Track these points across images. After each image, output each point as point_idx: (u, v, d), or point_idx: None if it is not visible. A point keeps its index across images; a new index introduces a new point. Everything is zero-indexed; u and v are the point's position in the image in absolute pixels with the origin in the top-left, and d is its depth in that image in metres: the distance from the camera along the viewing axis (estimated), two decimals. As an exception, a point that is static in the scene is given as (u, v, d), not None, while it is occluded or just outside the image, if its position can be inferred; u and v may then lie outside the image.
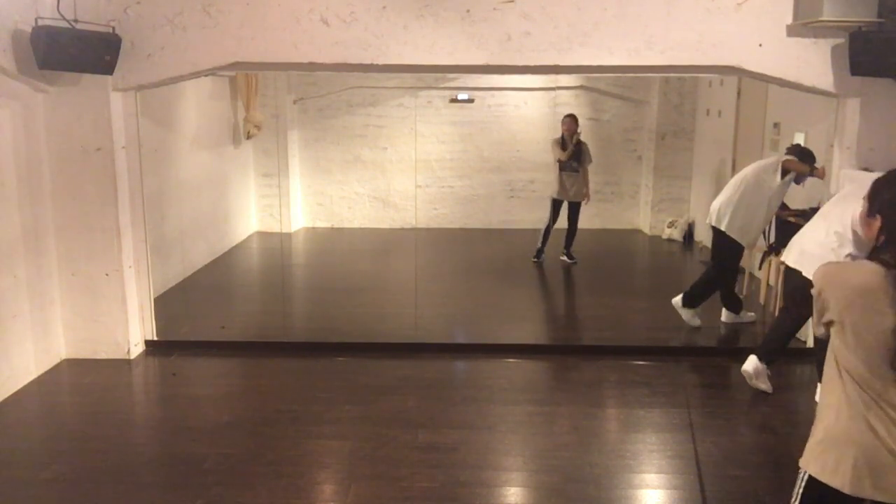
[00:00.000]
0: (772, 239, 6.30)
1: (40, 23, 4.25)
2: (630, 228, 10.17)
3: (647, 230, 9.90)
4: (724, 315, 5.96)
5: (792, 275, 4.35)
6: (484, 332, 5.90)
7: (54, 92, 4.75)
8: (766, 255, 6.29)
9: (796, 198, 6.24)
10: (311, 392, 4.67)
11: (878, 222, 2.02)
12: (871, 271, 1.94)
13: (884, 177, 2.08)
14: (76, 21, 4.43)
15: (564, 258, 8.04)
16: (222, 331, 5.81)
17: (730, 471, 3.69)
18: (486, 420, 4.26)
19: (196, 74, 5.06)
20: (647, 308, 6.67)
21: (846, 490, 2.05)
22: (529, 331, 6.19)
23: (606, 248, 9.19)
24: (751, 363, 4.61)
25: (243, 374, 5.12)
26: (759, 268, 6.51)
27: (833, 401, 2.10)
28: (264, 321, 6.28)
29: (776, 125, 7.04)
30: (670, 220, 9.63)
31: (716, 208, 5.66)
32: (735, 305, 5.93)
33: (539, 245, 8.08)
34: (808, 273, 4.12)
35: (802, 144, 5.79)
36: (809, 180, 5.55)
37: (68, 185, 4.88)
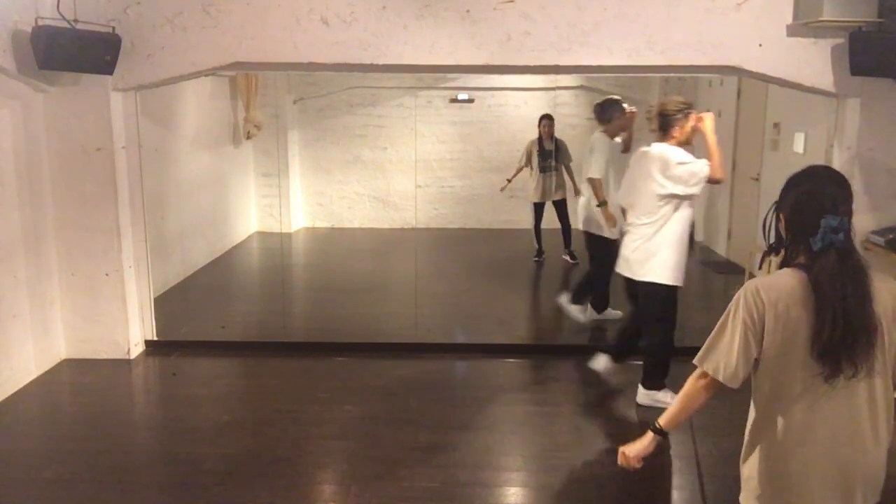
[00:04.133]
0: (772, 239, 6.30)
1: (40, 23, 4.25)
2: (630, 228, 10.16)
3: (647, 230, 9.88)
4: (589, 312, 5.97)
5: (651, 288, 4.27)
6: (484, 332, 5.90)
7: (54, 92, 4.75)
8: (765, 254, 6.28)
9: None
10: (311, 392, 4.67)
11: (783, 222, 2.05)
12: (795, 276, 1.96)
13: (792, 176, 2.07)
14: (76, 21, 4.43)
15: (566, 258, 8.04)
16: (222, 331, 5.81)
17: (730, 471, 3.68)
18: (486, 420, 4.26)
19: (196, 74, 5.06)
20: (647, 308, 6.67)
21: None
22: (529, 331, 6.19)
23: (606, 248, 9.18)
24: (638, 395, 4.42)
25: (243, 374, 5.12)
26: (759, 267, 6.50)
27: (758, 430, 2.12)
28: (264, 321, 6.28)
29: (776, 125, 7.04)
30: (670, 220, 9.61)
31: (578, 212, 6.00)
32: (601, 304, 5.97)
33: (536, 246, 8.13)
34: (661, 278, 4.24)
35: (613, 99, 5.80)
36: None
37: (68, 185, 4.88)
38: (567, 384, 4.96)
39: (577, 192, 7.98)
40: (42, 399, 4.56)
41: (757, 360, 2.06)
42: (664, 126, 4.34)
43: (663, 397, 4.25)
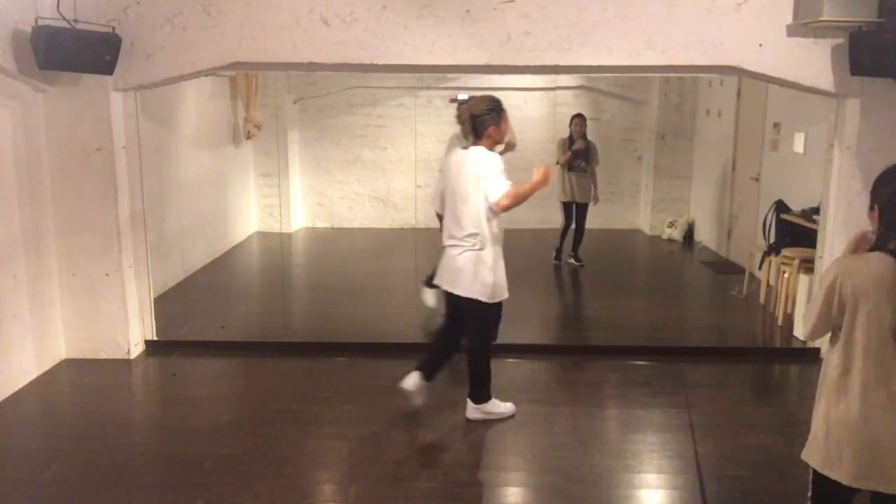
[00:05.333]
0: (772, 239, 6.30)
1: (40, 23, 4.25)
2: (630, 228, 10.17)
3: (647, 230, 9.90)
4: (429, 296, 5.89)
5: (469, 306, 4.03)
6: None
7: (54, 92, 4.75)
8: (766, 254, 6.29)
9: (796, 198, 6.24)
10: (311, 392, 4.67)
11: (876, 213, 2.22)
12: (883, 261, 2.13)
13: (886, 171, 2.25)
14: (76, 21, 4.43)
15: (571, 260, 8.02)
16: (222, 331, 5.81)
17: (730, 471, 3.69)
18: (487, 420, 4.26)
19: (196, 74, 5.06)
20: (648, 308, 6.68)
21: (846, 482, 2.14)
22: (529, 331, 6.18)
23: (606, 249, 9.19)
24: (469, 411, 4.21)
25: (243, 374, 5.12)
26: (759, 268, 6.51)
27: (830, 395, 2.21)
28: (264, 321, 6.28)
29: (776, 125, 7.04)
30: (670, 220, 9.63)
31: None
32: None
33: (558, 245, 8.06)
34: (482, 295, 3.97)
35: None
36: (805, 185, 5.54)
37: (68, 185, 4.88)
38: (567, 384, 4.96)
39: (596, 200, 7.97)
40: (42, 399, 4.56)
41: (838, 329, 2.22)
42: (477, 128, 3.98)
43: (493, 408, 4.21)
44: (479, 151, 3.95)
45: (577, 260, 7.99)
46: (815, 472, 2.28)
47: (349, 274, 7.88)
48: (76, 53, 4.34)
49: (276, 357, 5.29)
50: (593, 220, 9.88)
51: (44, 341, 4.87)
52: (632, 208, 10.22)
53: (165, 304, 6.13)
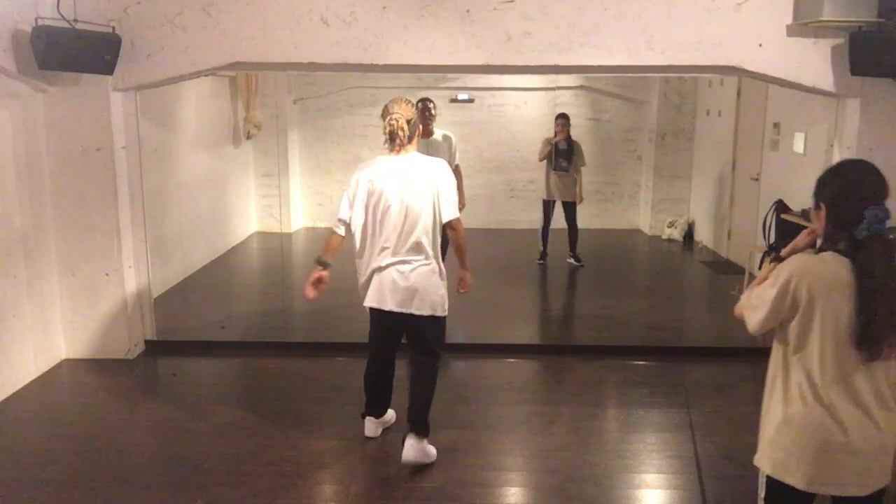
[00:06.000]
0: (772, 239, 6.30)
1: (40, 23, 4.25)
2: (630, 228, 10.17)
3: (647, 230, 9.90)
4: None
5: (429, 323, 3.65)
6: (484, 332, 5.90)
7: (54, 92, 4.75)
8: (765, 254, 6.29)
9: (796, 198, 6.24)
10: (311, 392, 4.67)
11: (823, 212, 2.13)
12: (838, 262, 2.05)
13: (828, 169, 2.19)
14: (76, 21, 4.43)
15: (571, 261, 8.01)
16: (222, 331, 5.81)
17: (730, 471, 3.69)
18: (486, 420, 4.26)
19: (196, 74, 5.06)
20: (647, 308, 6.68)
21: (800, 487, 2.09)
22: (529, 331, 6.19)
23: (606, 248, 9.19)
24: (412, 450, 3.60)
25: (243, 374, 5.12)
26: (759, 268, 6.51)
27: (782, 396, 2.15)
28: (264, 321, 6.28)
29: (776, 125, 7.04)
30: (670, 220, 9.63)
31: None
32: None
33: (541, 248, 8.06)
34: (442, 309, 3.67)
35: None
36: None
37: (68, 185, 4.88)
38: (567, 384, 4.96)
39: (580, 199, 7.98)
40: (42, 399, 4.56)
41: (783, 329, 2.16)
42: (412, 134, 3.70)
43: (431, 450, 3.71)
44: (426, 159, 3.68)
45: (577, 260, 7.99)
46: (768, 475, 2.20)
47: (349, 274, 7.86)
48: (76, 53, 4.34)
49: (276, 357, 5.29)
50: (593, 220, 9.94)
51: (44, 341, 4.87)
52: (632, 208, 10.22)
53: (165, 304, 6.13)
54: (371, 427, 3.97)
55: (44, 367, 4.87)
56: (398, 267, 3.58)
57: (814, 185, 2.19)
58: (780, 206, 6.30)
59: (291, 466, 3.69)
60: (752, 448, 4.00)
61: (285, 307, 6.67)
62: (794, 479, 2.11)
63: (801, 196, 6.18)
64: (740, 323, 2.30)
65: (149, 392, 4.92)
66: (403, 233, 3.57)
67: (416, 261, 3.60)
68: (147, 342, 5.34)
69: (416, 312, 3.60)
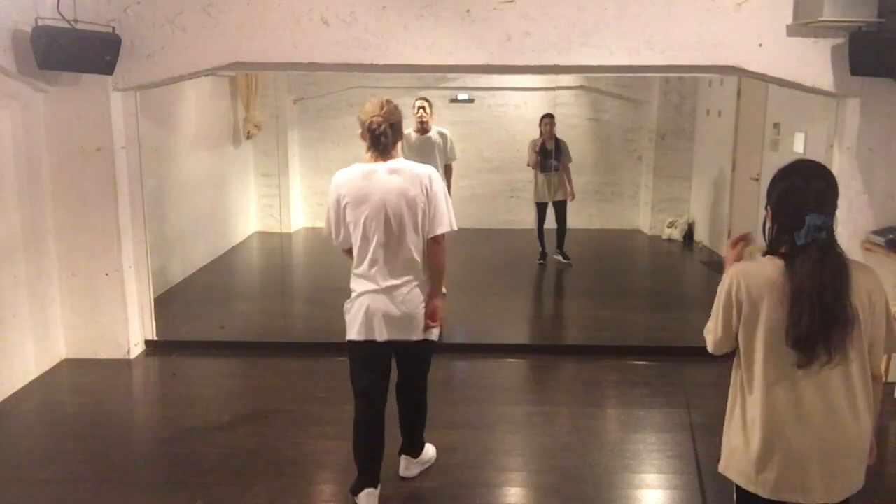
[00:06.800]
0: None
1: (40, 23, 4.25)
2: (630, 228, 10.17)
3: (647, 230, 9.90)
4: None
5: (426, 347, 3.36)
6: (484, 332, 5.90)
7: (54, 92, 4.75)
8: (765, 254, 6.29)
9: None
10: (311, 392, 4.67)
11: (769, 214, 2.14)
12: (775, 266, 2.06)
13: (780, 169, 2.16)
14: (76, 21, 4.43)
15: (558, 257, 8.03)
16: (222, 331, 5.81)
17: (730, 471, 3.69)
18: (486, 420, 4.26)
19: (196, 74, 5.06)
20: (647, 308, 6.68)
21: (766, 496, 2.09)
22: (529, 331, 6.19)
23: (606, 248, 9.19)
24: (412, 466, 3.60)
25: (243, 374, 5.12)
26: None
27: (741, 408, 2.14)
28: (264, 321, 6.28)
29: (776, 125, 7.04)
30: (670, 220, 9.63)
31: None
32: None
33: (540, 248, 8.07)
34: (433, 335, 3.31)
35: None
36: None
37: (68, 185, 4.88)
38: (567, 384, 4.96)
39: (572, 196, 7.99)
40: (42, 399, 4.56)
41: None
42: (396, 138, 3.24)
43: (426, 453, 3.67)
44: (414, 166, 3.22)
45: (565, 257, 7.99)
46: (737, 485, 2.19)
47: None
48: (76, 53, 4.34)
49: (276, 357, 5.29)
50: (593, 220, 9.94)
51: (44, 341, 4.87)
52: (632, 208, 10.22)
53: (165, 304, 6.13)
54: (370, 501, 3.28)
55: (44, 367, 4.87)
56: (389, 292, 3.18)
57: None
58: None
59: (291, 466, 3.70)
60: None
61: (285, 307, 6.67)
62: (758, 488, 2.09)
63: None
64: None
65: (149, 392, 4.92)
66: (392, 251, 3.17)
67: (411, 283, 3.20)
68: (147, 342, 5.34)
69: (417, 338, 3.24)
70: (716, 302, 2.17)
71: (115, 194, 4.93)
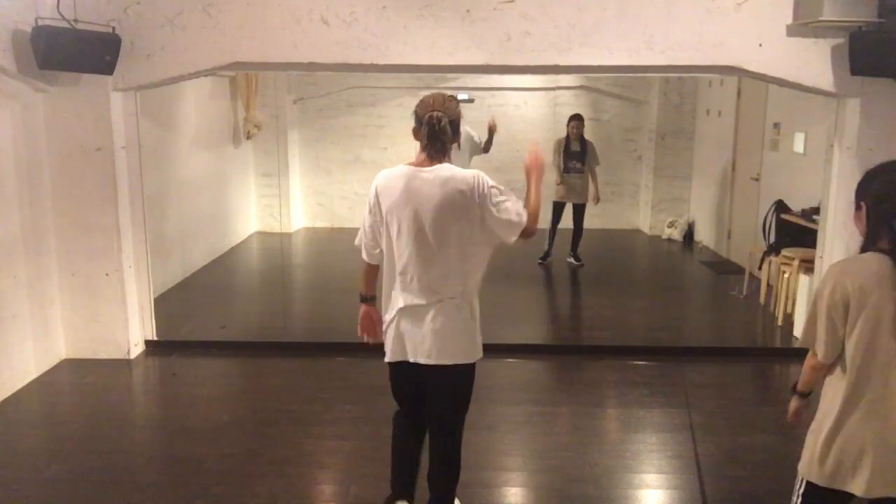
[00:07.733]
0: (772, 239, 6.30)
1: (40, 23, 4.25)
2: (630, 228, 10.17)
3: (647, 230, 9.90)
4: None
5: (460, 374, 2.99)
6: (484, 332, 5.87)
7: (54, 92, 4.75)
8: (765, 254, 6.29)
9: (796, 198, 6.24)
10: (311, 392, 4.67)
11: (863, 212, 2.16)
12: (880, 260, 2.07)
13: (872, 169, 2.22)
14: (76, 21, 4.43)
15: (571, 260, 8.01)
16: (222, 331, 5.81)
17: (730, 471, 3.69)
18: (486, 420, 4.25)
19: (196, 74, 5.06)
20: (648, 308, 6.68)
21: (860, 493, 2.10)
22: (529, 331, 6.19)
23: (606, 248, 9.20)
24: None
25: (243, 374, 5.12)
26: (759, 268, 6.51)
27: (837, 402, 2.14)
28: (264, 321, 6.28)
29: (776, 125, 7.04)
30: (670, 220, 9.63)
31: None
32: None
33: (546, 248, 8.04)
34: (476, 356, 3.00)
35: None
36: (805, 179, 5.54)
37: (68, 185, 4.88)
38: (567, 384, 4.96)
39: (597, 200, 7.95)
40: (42, 399, 4.56)
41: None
42: (455, 139, 2.85)
43: None
44: (465, 173, 2.82)
45: (577, 259, 7.98)
46: (808, 487, 2.20)
47: (349, 274, 7.84)
48: (76, 53, 4.34)
49: (276, 357, 5.29)
50: (594, 220, 9.91)
51: (44, 341, 4.87)
52: (632, 208, 10.22)
53: (165, 304, 6.13)
54: None
55: (44, 367, 4.87)
56: (420, 311, 2.88)
57: (855, 186, 2.23)
58: (780, 206, 6.29)
59: (291, 466, 3.69)
60: (753, 448, 4.01)
61: (285, 307, 6.67)
62: (855, 487, 2.10)
63: (801, 196, 6.18)
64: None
65: (149, 392, 4.92)
66: (428, 266, 2.81)
67: (450, 301, 2.85)
68: (147, 342, 5.34)
69: (452, 362, 2.89)
70: (812, 308, 2.17)
71: (115, 194, 4.93)
